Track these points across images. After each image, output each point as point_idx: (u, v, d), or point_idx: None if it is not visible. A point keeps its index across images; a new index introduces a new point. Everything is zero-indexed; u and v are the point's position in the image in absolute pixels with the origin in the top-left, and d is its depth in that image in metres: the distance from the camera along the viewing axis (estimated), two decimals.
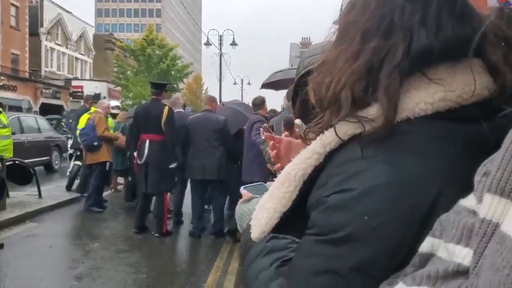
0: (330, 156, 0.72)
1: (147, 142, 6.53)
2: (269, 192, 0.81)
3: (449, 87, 0.68)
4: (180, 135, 6.61)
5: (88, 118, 8.35)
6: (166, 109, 6.50)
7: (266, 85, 6.54)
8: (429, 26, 0.69)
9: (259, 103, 6.20)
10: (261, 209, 0.80)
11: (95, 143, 8.19)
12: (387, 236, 0.61)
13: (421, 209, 0.61)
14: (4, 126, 6.24)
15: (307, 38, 44.93)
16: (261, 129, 4.80)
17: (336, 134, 0.71)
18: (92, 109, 8.68)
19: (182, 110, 7.60)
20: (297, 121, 1.22)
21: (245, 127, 6.33)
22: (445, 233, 0.55)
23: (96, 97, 8.92)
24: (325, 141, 0.73)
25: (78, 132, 8.65)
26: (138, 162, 6.60)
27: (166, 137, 6.49)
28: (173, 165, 6.61)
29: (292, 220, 0.78)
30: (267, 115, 6.37)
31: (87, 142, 8.20)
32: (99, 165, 8.38)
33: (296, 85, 1.60)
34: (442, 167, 0.64)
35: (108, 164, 8.53)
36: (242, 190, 1.06)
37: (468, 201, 0.55)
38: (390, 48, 0.69)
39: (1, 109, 6.65)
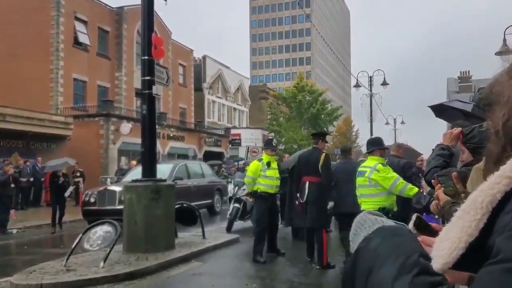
0: None
1: (307, 183, 7.37)
2: (451, 223, 0.74)
3: None
4: None
5: None
6: (323, 156, 7.41)
7: (433, 107, 6.17)
8: None
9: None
10: (443, 240, 0.73)
11: None
12: None
13: None
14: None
15: (466, 72, 41.92)
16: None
17: None
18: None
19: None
20: None
21: None
22: None
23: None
24: None
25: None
26: (300, 200, 7.45)
27: (323, 179, 7.27)
28: (330, 205, 7.22)
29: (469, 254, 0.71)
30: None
31: None
32: None
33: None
34: None
35: None
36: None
37: None
38: None
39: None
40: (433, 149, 3.71)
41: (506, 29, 14.53)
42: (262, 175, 7.91)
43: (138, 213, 8.02)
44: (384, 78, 27.29)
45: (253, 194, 8.15)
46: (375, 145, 6.33)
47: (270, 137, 9.36)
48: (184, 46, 37.99)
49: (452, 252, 0.69)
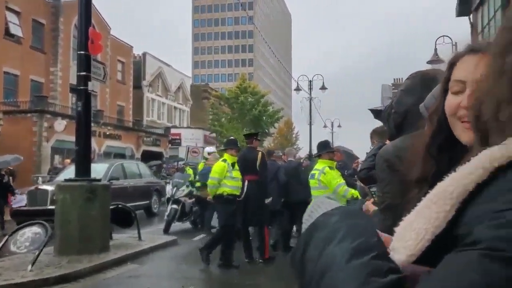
0: (497, 171, 0.64)
1: (246, 182, 7.58)
2: (417, 211, 0.70)
3: None
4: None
5: None
6: (259, 154, 7.83)
7: (373, 110, 6.50)
8: None
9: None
10: (407, 230, 0.69)
11: None
12: None
13: None
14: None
15: (399, 79, 43.94)
16: None
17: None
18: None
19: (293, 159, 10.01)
20: None
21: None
22: None
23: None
24: (494, 155, 0.64)
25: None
26: (238, 198, 7.53)
27: (260, 176, 7.65)
28: (268, 200, 7.82)
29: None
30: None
31: None
32: None
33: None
34: None
35: None
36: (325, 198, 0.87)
37: None
38: None
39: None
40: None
41: (437, 39, 15.42)
42: (228, 176, 7.38)
43: (72, 214, 7.72)
44: (323, 82, 28.06)
45: (217, 198, 7.47)
46: (323, 149, 6.75)
47: (232, 137, 8.80)
48: (124, 42, 37.00)
49: (418, 243, 0.66)
